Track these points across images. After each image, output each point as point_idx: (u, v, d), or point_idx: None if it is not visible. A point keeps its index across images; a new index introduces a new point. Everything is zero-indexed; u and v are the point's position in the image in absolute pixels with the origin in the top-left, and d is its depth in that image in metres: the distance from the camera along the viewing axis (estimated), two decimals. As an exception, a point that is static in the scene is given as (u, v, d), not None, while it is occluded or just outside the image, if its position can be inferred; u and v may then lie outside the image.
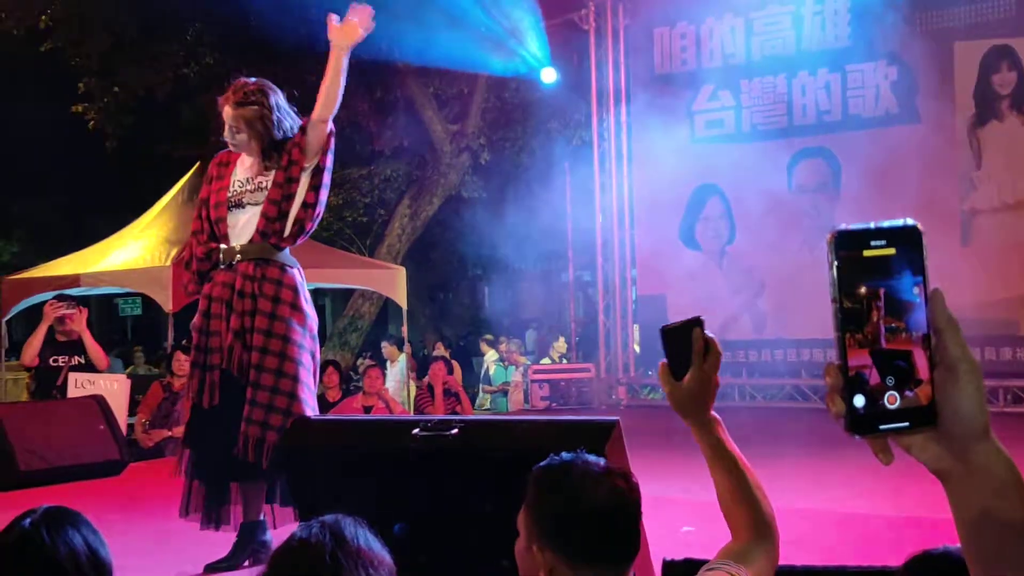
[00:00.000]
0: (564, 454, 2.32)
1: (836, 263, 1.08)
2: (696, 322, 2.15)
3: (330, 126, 5.12)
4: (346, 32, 5.02)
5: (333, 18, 5.02)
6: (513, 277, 24.46)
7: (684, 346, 2.13)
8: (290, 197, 5.11)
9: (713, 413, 2.24)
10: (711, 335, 2.16)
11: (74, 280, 12.43)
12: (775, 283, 12.29)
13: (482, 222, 19.80)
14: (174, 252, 12.13)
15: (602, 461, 2.30)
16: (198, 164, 13.82)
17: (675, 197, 13.06)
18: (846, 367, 1.07)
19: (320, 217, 5.27)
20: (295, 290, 5.14)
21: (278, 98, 5.18)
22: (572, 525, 2.22)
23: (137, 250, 12.67)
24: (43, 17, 15.21)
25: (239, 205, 5.16)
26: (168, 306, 11.80)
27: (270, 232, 5.09)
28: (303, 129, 5.13)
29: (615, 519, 2.25)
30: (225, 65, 15.04)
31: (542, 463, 2.31)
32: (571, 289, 15.88)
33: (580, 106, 14.35)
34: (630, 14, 13.49)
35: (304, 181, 5.12)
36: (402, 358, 15.11)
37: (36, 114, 21.32)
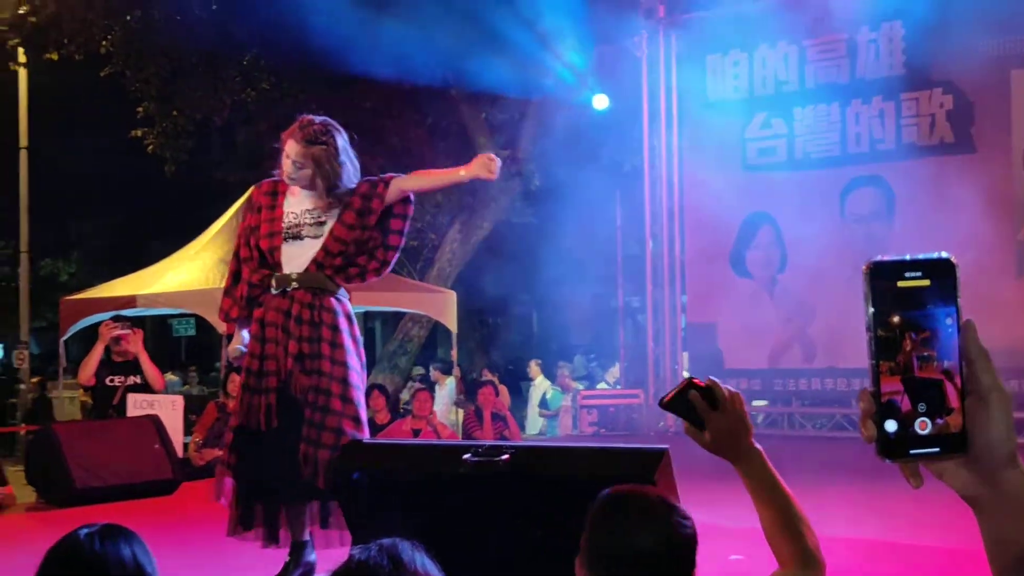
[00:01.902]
0: (625, 486, 2.33)
1: (871, 293, 1.12)
2: (688, 386, 2.24)
3: (412, 196, 5.28)
4: (479, 170, 5.22)
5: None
6: (562, 302, 24.49)
7: (688, 408, 2.22)
8: (361, 242, 5.19)
9: (756, 445, 2.27)
10: (711, 379, 2.24)
11: (131, 301, 12.61)
12: (826, 312, 12.21)
13: (532, 247, 19.87)
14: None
15: (663, 498, 2.31)
16: (253, 188, 14.01)
17: (726, 224, 13.04)
18: (879, 393, 1.11)
19: (379, 277, 5.38)
20: (351, 320, 5.24)
21: (343, 139, 5.27)
22: (621, 563, 2.23)
23: (192, 272, 12.84)
24: (104, 43, 15.49)
25: (296, 237, 5.20)
26: (223, 327, 11.94)
27: (327, 265, 5.16)
28: (386, 183, 5.20)
29: (667, 560, 2.25)
30: (281, 90, 15.25)
31: (606, 491, 2.32)
32: (621, 315, 15.87)
33: (631, 132, 14.37)
34: (683, 41, 13.51)
35: (376, 233, 5.22)
36: (450, 381, 15.18)
37: (96, 137, 21.71)
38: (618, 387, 14.91)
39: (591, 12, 13.58)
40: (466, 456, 3.43)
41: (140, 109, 16.68)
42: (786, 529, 2.26)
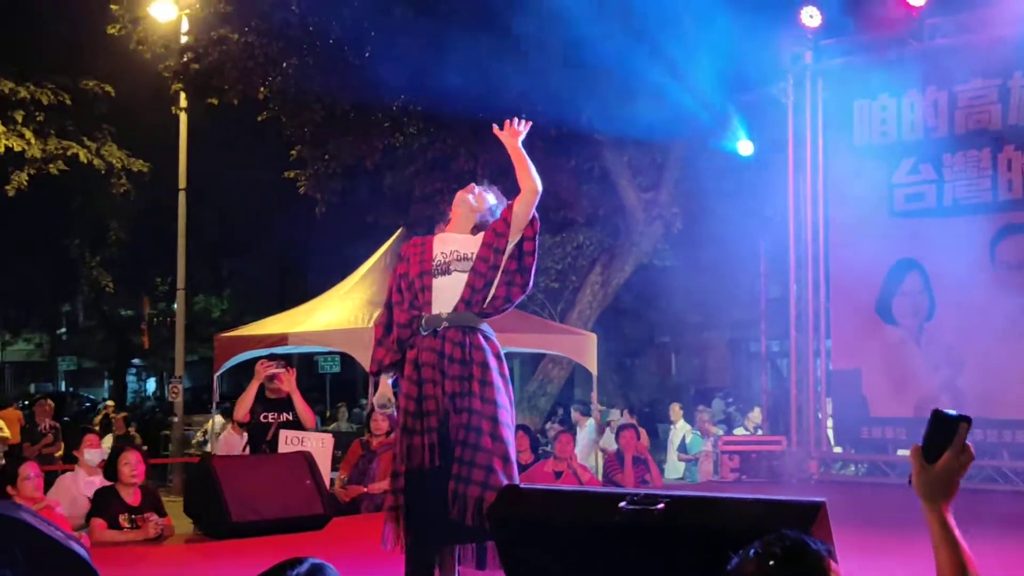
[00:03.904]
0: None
1: None
2: (966, 419, 2.32)
3: (534, 212, 5.40)
4: (507, 134, 5.47)
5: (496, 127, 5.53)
6: (701, 346, 24.34)
7: (947, 434, 2.30)
8: (496, 268, 5.35)
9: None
10: (969, 443, 2.31)
11: (282, 339, 12.94)
12: (976, 361, 11.92)
13: (672, 290, 19.84)
14: (376, 314, 12.58)
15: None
16: (401, 229, 14.33)
17: (872, 270, 12.84)
18: None
19: (524, 296, 5.53)
20: (500, 358, 5.37)
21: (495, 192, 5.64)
22: None
23: (341, 311, 13.14)
24: (262, 88, 16.06)
25: (445, 272, 5.40)
26: (369, 366, 12.22)
27: (474, 302, 5.32)
28: (510, 207, 5.41)
29: None
30: (428, 135, 15.56)
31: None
32: (763, 359, 15.74)
33: (776, 177, 14.28)
34: (830, 87, 13.39)
35: (510, 255, 5.37)
36: (590, 423, 15.21)
37: (250, 179, 22.43)
38: (759, 432, 14.75)
39: (737, 58, 13.59)
40: (621, 504, 3.51)
41: (293, 152, 17.23)
42: None
